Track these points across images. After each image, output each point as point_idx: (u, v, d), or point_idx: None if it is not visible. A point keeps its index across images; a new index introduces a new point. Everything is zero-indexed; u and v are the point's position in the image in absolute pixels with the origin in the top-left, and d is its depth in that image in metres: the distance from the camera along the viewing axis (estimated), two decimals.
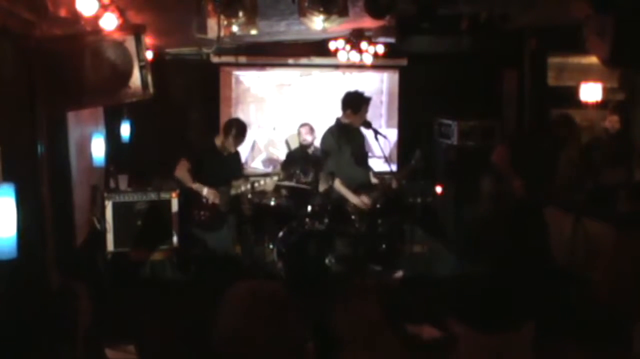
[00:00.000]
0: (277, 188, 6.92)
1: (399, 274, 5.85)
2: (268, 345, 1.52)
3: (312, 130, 7.01)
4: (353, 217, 5.73)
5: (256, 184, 6.02)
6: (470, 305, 2.04)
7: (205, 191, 5.61)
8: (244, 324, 1.55)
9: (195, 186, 5.63)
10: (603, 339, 4.09)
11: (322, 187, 5.72)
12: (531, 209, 5.19)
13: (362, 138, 6.10)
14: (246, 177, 6.32)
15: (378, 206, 5.81)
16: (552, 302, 4.76)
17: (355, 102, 5.71)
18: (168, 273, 6.05)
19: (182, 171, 5.68)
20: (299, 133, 7.13)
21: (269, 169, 8.16)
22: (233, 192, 5.80)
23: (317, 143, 6.49)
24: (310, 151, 6.97)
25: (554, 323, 4.48)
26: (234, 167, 5.99)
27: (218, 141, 5.80)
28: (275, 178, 6.19)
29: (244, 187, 5.90)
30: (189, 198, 5.77)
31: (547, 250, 5.24)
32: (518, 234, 5.12)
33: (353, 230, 5.72)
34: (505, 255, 5.13)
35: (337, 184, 5.65)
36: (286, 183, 6.65)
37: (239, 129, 5.78)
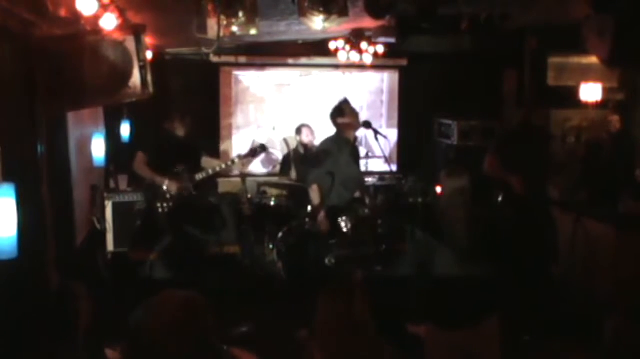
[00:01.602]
0: (278, 187, 6.93)
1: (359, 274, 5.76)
2: (178, 349, 1.57)
3: (312, 131, 7.00)
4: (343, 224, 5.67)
5: (224, 166, 5.86)
6: (433, 303, 2.06)
7: (166, 183, 5.50)
8: (155, 328, 1.60)
9: (156, 179, 5.50)
10: (597, 337, 4.08)
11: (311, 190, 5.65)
12: (535, 204, 5.17)
13: (352, 149, 5.91)
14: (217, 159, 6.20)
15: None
16: (549, 302, 4.77)
17: (335, 110, 5.63)
18: (168, 273, 6.05)
19: (140, 165, 5.54)
20: (299, 132, 7.12)
21: (269, 170, 8.17)
22: (200, 176, 5.67)
23: (316, 143, 6.47)
24: (309, 151, 6.98)
25: (552, 323, 4.49)
26: (190, 148, 5.82)
27: (167, 127, 5.67)
28: (236, 158, 5.99)
29: (212, 170, 5.77)
30: (152, 191, 5.67)
31: (553, 246, 5.23)
32: (523, 231, 5.10)
33: (352, 231, 5.71)
34: (509, 254, 5.11)
35: (314, 195, 5.58)
36: (284, 181, 6.65)
37: (179, 112, 5.71)
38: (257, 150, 5.91)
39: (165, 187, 5.47)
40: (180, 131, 5.66)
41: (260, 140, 8.37)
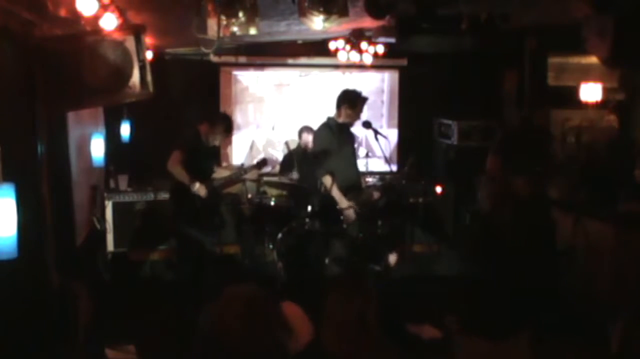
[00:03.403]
0: (278, 187, 6.94)
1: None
2: (245, 343, 1.58)
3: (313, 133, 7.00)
4: (342, 217, 5.69)
5: (233, 176, 6.01)
6: (472, 310, 2.04)
7: (196, 186, 5.53)
8: (223, 324, 1.61)
9: (188, 181, 5.54)
10: (602, 339, 4.09)
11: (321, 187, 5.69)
12: (538, 204, 5.15)
13: (354, 137, 6.11)
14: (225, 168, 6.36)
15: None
16: (550, 302, 4.76)
17: (351, 98, 5.70)
18: (168, 273, 6.06)
19: (175, 164, 5.54)
20: (300, 136, 7.13)
21: (268, 170, 8.17)
22: (217, 183, 5.75)
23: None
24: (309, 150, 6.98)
25: (553, 323, 4.49)
26: (214, 158, 5.97)
27: (203, 132, 5.74)
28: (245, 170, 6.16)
29: (227, 177, 5.90)
30: (178, 192, 5.70)
31: (553, 247, 5.21)
32: (525, 232, 5.08)
33: (350, 231, 5.72)
34: (511, 255, 5.09)
35: (334, 188, 5.59)
36: (284, 180, 6.66)
37: (227, 125, 5.78)
38: (261, 163, 6.06)
39: (194, 190, 5.50)
40: (213, 141, 5.75)
41: (260, 140, 8.40)
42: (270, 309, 1.71)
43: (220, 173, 5.97)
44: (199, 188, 5.49)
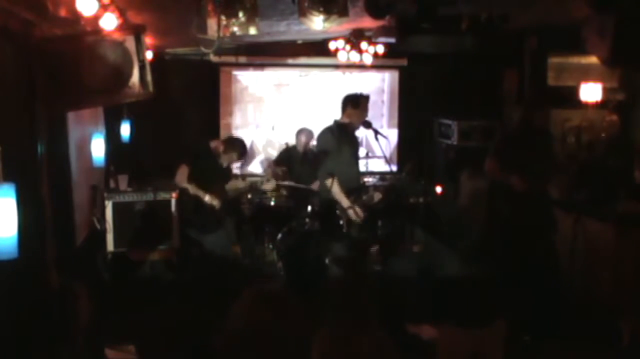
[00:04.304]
0: (277, 188, 6.93)
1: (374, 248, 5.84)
2: (272, 344, 1.58)
3: (310, 135, 6.97)
4: (341, 222, 5.65)
5: (257, 184, 6.06)
6: (449, 303, 2.07)
7: (207, 198, 5.57)
8: (248, 324, 1.61)
9: (198, 192, 5.59)
10: (602, 340, 4.09)
11: (318, 187, 5.67)
12: (537, 202, 5.15)
13: (357, 140, 6.06)
14: (242, 177, 6.37)
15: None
16: (550, 302, 4.77)
17: (354, 98, 5.69)
18: (168, 273, 6.05)
19: (182, 178, 5.63)
20: (297, 138, 7.12)
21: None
22: (232, 194, 5.80)
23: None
24: (309, 151, 6.97)
25: (553, 323, 4.49)
26: (226, 171, 5.99)
27: (215, 149, 5.77)
28: (272, 181, 6.20)
29: (242, 185, 5.94)
30: (187, 203, 5.75)
31: (552, 246, 5.21)
32: (524, 230, 5.08)
33: (348, 232, 5.70)
34: (510, 253, 5.09)
35: (335, 188, 5.56)
36: (286, 183, 6.66)
37: (241, 152, 5.82)
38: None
39: (206, 202, 5.59)
40: (224, 158, 5.79)
41: (259, 140, 8.39)
42: (297, 307, 1.71)
43: (233, 184, 6.04)
44: (210, 199, 5.55)
